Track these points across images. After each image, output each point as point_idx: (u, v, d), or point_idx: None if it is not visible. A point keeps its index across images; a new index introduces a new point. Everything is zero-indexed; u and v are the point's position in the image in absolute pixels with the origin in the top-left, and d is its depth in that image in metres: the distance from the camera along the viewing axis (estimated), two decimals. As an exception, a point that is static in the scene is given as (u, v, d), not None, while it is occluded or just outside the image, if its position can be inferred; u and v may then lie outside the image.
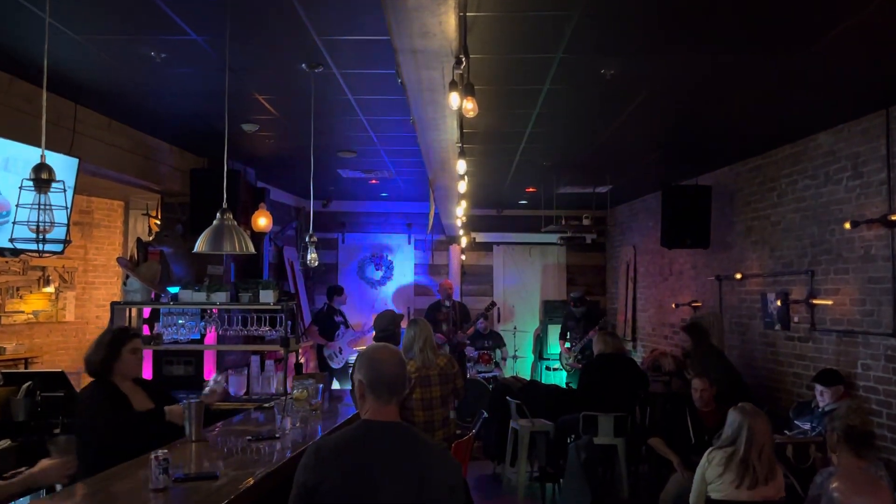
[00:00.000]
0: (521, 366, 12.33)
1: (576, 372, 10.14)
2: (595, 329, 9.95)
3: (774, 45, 4.88)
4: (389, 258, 12.82)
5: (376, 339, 6.47)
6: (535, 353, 12.24)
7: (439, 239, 12.92)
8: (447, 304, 10.80)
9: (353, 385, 3.16)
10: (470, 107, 3.96)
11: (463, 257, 12.92)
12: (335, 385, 9.61)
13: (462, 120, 5.78)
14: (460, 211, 9.34)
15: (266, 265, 9.56)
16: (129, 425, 4.48)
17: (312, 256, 6.51)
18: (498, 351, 11.22)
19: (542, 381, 11.01)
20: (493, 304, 11.48)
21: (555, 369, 11.71)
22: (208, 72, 5.46)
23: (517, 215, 12.86)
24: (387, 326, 6.47)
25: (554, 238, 12.25)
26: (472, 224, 12.77)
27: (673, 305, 10.20)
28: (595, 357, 7.96)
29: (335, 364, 10.10)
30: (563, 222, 11.31)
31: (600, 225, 12.84)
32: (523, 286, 12.90)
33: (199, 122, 7.00)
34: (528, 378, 10.64)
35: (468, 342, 11.00)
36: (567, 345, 10.80)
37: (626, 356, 8.04)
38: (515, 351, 12.02)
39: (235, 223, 4.85)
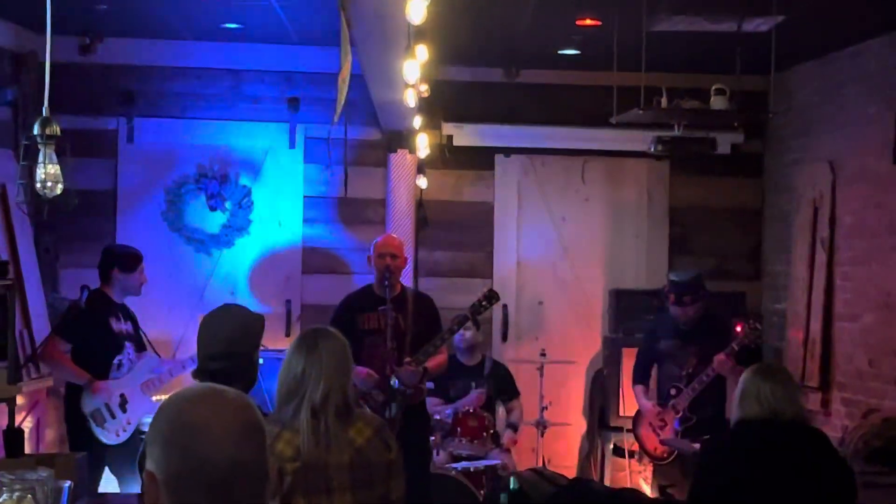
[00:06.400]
0: (557, 443, 9.92)
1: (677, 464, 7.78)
2: (724, 356, 7.25)
3: None
4: (243, 182, 9.65)
5: (201, 375, 4.75)
6: (590, 413, 9.97)
7: (365, 138, 9.95)
8: (385, 292, 7.54)
9: (142, 482, 2.62)
10: None
11: (422, 182, 9.84)
12: (108, 483, 7.56)
13: None
14: (414, 71, 6.34)
15: (-60, 192, 8.00)
16: None
17: (50, 172, 4.83)
18: (500, 407, 8.98)
19: (605, 483, 9.01)
20: (491, 295, 7.92)
21: (633, 449, 9.12)
22: None
23: (555, 85, 10.14)
24: (228, 347, 4.66)
25: (643, 141, 8.77)
26: (446, 103, 9.79)
27: (919, 308, 8.00)
28: (731, 428, 5.73)
29: (108, 435, 7.28)
30: (666, 103, 7.92)
31: (753, 111, 9.18)
32: (566, 255, 10.27)
33: None
34: (572, 474, 8.87)
35: (431, 386, 8.04)
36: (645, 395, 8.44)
37: (805, 427, 5.93)
38: (544, 408, 9.06)
39: None
